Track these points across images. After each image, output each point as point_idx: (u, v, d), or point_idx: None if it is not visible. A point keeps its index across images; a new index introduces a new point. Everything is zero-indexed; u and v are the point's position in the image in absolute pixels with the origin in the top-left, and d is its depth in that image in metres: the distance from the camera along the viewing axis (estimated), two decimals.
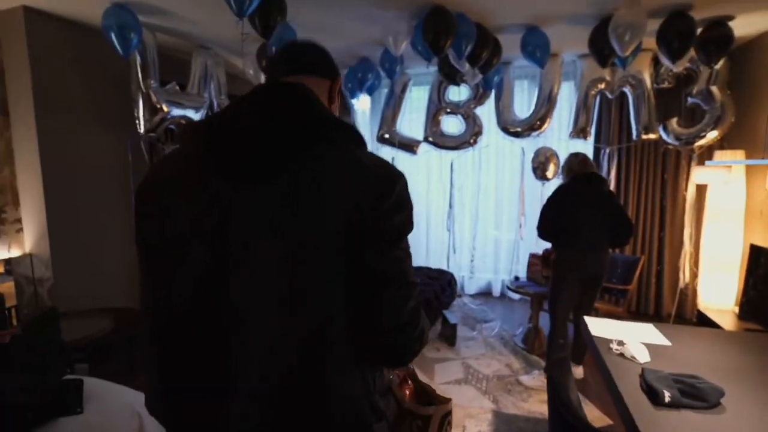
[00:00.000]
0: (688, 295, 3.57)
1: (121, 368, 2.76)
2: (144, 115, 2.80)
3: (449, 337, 3.12)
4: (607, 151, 3.60)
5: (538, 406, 2.34)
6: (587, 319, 1.82)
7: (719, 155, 3.01)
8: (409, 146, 3.98)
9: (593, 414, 2.26)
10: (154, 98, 2.80)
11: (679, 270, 3.40)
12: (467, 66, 2.98)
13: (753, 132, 2.97)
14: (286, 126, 0.68)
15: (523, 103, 4.00)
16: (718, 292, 3.00)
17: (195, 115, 3.11)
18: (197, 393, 0.68)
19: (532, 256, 3.15)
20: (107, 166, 2.92)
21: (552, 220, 2.50)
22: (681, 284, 3.41)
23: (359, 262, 0.65)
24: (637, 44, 2.48)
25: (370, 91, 3.93)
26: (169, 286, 0.69)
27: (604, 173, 3.60)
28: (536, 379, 2.61)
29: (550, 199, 2.54)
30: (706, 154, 3.28)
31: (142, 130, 2.82)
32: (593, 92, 3.42)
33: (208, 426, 0.67)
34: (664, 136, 3.32)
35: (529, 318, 3.62)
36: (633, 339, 1.55)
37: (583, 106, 3.45)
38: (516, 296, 4.23)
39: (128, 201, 2.99)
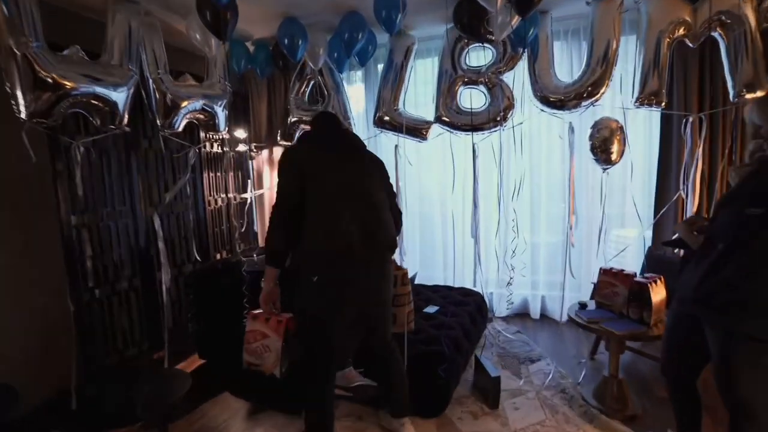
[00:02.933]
0: None
1: None
2: (25, 93, 1.88)
3: (490, 394, 2.17)
4: (690, 121, 2.65)
5: None
6: None
7: None
8: (416, 130, 3.05)
9: None
10: (38, 66, 1.87)
11: None
12: (499, 2, 2.05)
13: None
14: (355, 140, 1.97)
15: (561, 67, 3.07)
16: None
17: (116, 95, 2.18)
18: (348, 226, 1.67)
19: (604, 273, 2.20)
20: None
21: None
22: None
23: (388, 190, 1.92)
24: None
25: (363, 60, 3.01)
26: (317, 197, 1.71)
27: (687, 150, 2.64)
28: None
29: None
30: None
31: (23, 114, 1.89)
32: (667, 41, 2.48)
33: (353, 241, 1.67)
34: None
35: (591, 353, 2.67)
36: None
37: (653, 63, 2.52)
38: (564, 317, 3.29)
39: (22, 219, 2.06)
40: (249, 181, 3.60)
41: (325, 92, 3.24)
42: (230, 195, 3.48)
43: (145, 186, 2.69)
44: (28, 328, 2.09)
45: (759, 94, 2.35)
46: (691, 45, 2.53)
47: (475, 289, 3.05)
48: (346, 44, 2.73)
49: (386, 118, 3.08)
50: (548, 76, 2.76)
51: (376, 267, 1.73)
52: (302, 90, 3.35)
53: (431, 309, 2.63)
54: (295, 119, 3.33)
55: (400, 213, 1.98)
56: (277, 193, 1.70)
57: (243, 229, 3.64)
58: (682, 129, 2.68)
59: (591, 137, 2.47)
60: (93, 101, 2.10)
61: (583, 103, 2.63)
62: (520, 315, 3.44)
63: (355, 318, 1.73)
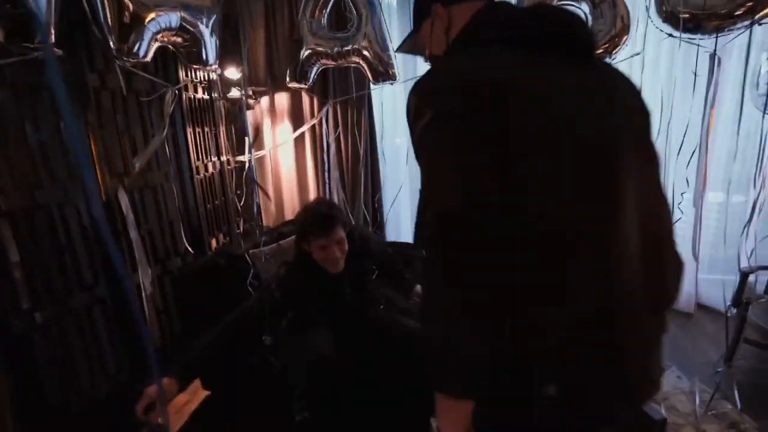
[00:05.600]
0: None
1: None
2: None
3: None
4: None
5: None
6: None
7: None
8: None
9: None
10: None
11: None
12: None
13: None
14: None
15: None
16: None
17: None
18: None
19: None
20: None
21: None
22: None
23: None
24: None
25: None
26: None
27: None
28: None
29: None
30: None
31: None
32: None
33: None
34: None
35: (725, 356, 2.04)
36: None
37: None
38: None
39: None
40: (246, 138, 2.70)
41: (354, 13, 2.32)
42: (223, 158, 2.59)
43: (100, 148, 1.77)
44: None
45: None
46: None
47: None
48: None
49: None
50: None
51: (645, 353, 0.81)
52: (318, 10, 2.40)
53: None
54: (309, 51, 2.40)
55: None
56: (440, 227, 0.68)
57: (242, 203, 2.80)
58: None
59: None
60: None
61: (739, 24, 1.85)
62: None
63: None
